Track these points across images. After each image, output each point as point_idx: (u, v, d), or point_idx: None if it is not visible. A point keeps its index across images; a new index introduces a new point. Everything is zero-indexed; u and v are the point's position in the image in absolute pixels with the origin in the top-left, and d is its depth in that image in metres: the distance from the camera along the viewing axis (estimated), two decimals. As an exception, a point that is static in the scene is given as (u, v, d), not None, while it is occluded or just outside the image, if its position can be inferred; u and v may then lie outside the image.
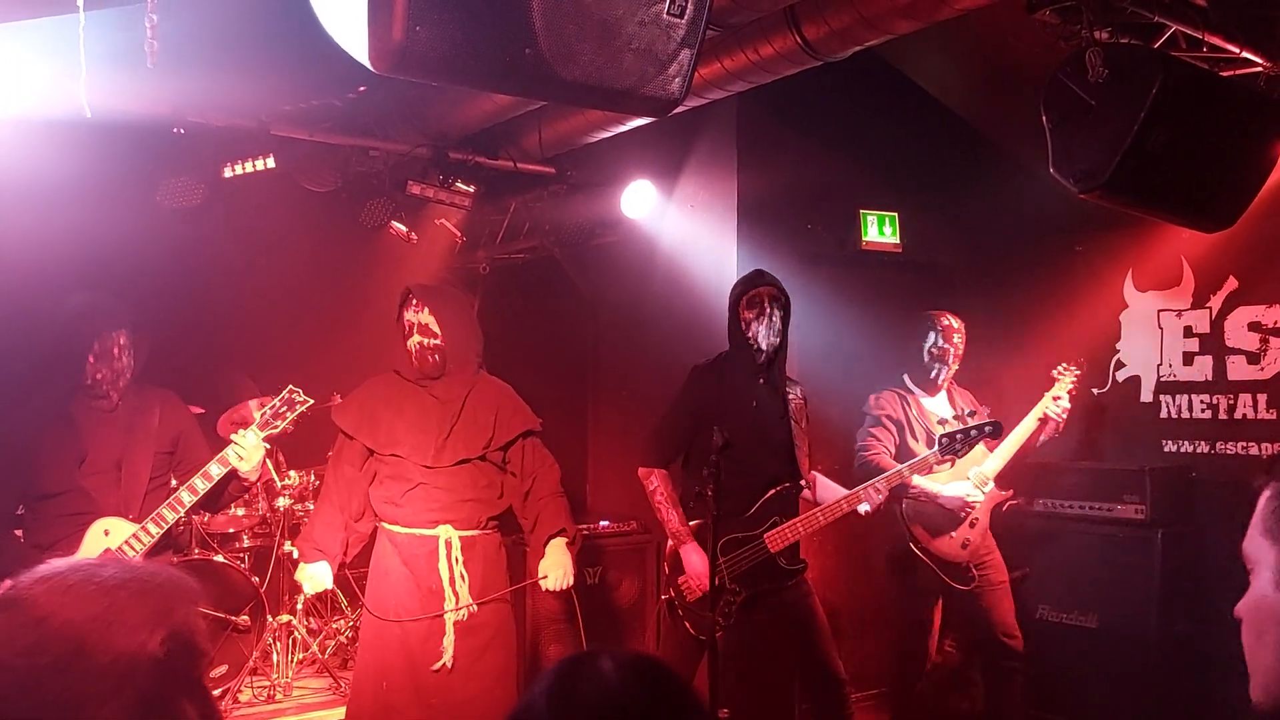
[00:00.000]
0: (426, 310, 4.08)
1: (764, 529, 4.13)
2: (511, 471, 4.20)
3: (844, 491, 4.28)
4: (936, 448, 4.35)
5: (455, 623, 3.95)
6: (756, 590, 4.12)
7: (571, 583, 4.09)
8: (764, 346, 4.20)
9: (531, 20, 1.90)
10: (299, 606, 6.00)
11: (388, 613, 3.99)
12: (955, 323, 4.90)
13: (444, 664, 3.92)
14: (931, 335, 4.87)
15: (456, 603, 3.94)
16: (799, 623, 4.18)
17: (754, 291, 4.22)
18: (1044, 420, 4.78)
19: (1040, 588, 5.23)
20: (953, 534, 4.71)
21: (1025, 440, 4.79)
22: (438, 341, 4.08)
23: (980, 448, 4.81)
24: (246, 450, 3.81)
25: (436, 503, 4.02)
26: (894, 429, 4.80)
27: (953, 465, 4.74)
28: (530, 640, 5.30)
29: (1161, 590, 4.90)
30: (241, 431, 3.86)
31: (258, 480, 4.08)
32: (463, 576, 3.97)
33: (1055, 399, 4.79)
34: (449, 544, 4.01)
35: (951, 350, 4.86)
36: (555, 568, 4.05)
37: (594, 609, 5.42)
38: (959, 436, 4.33)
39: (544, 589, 4.09)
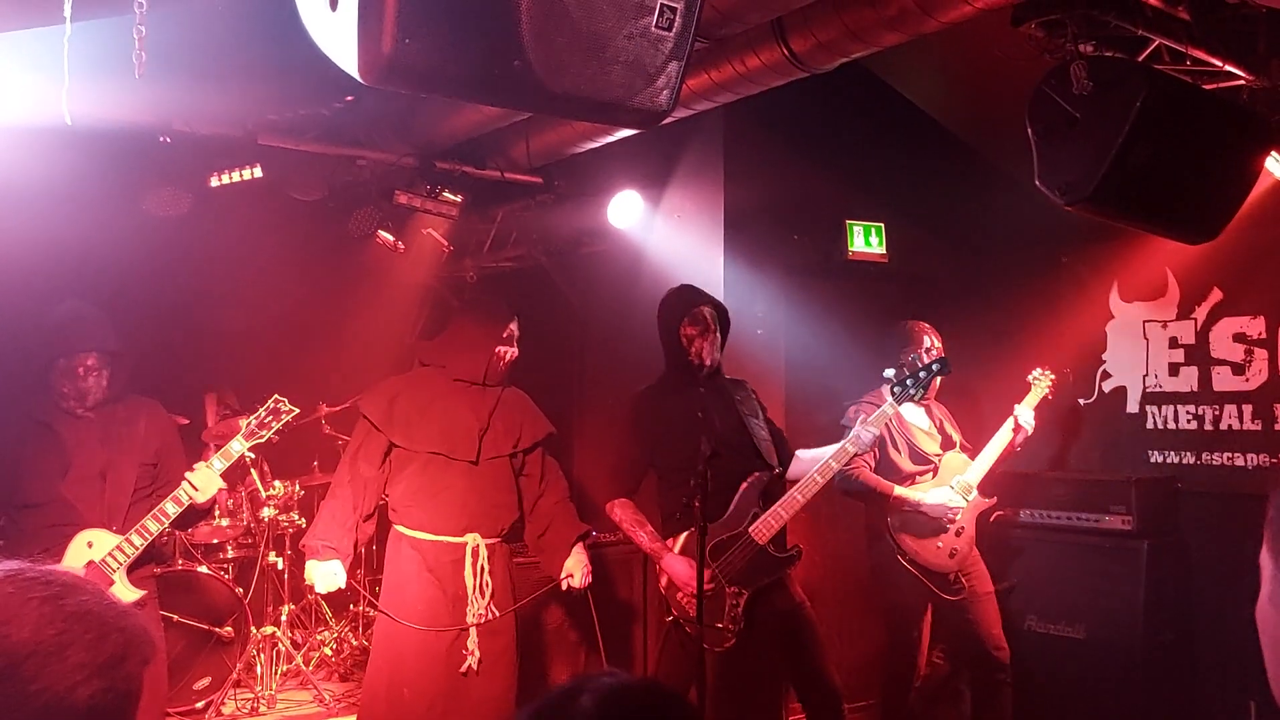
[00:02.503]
0: (515, 325, 4.36)
1: (747, 524, 4.12)
2: (526, 474, 4.39)
3: (824, 458, 4.20)
4: (890, 398, 4.27)
5: (478, 627, 4.11)
6: (756, 586, 4.09)
7: (590, 581, 4.30)
8: (708, 363, 4.28)
9: (520, 33, 1.90)
10: (283, 618, 5.97)
11: (410, 619, 4.09)
12: (934, 329, 4.93)
13: (469, 667, 4.08)
14: (927, 339, 4.86)
15: (479, 609, 4.11)
16: (793, 633, 4.17)
17: (696, 310, 4.27)
18: (1017, 427, 4.78)
19: (1027, 599, 5.23)
20: (939, 543, 4.70)
21: (1005, 448, 4.80)
22: (516, 355, 4.36)
23: (963, 458, 4.82)
24: (200, 484, 3.81)
25: (467, 508, 4.16)
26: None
27: (935, 474, 4.74)
28: (537, 645, 5.33)
29: (1148, 601, 4.92)
30: (199, 465, 3.85)
31: (209, 506, 4.08)
32: (487, 584, 4.14)
33: (1029, 406, 4.81)
34: (476, 551, 4.16)
35: (940, 351, 4.84)
36: (578, 567, 4.25)
37: (584, 617, 5.42)
38: (910, 381, 4.26)
39: (565, 588, 4.28)
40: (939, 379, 4.82)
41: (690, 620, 4.06)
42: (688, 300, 4.32)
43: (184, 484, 3.78)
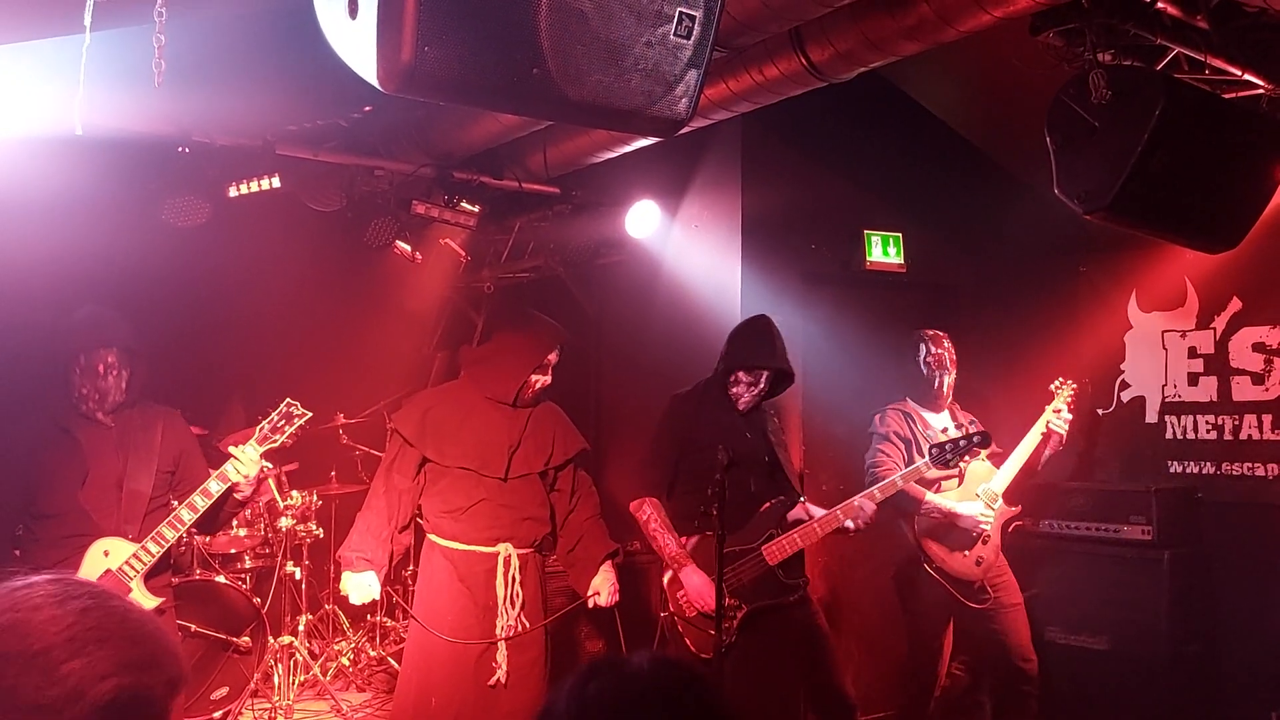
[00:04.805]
0: (556, 355, 4.34)
1: (761, 541, 4.14)
2: (558, 488, 4.39)
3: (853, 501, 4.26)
4: (927, 457, 4.35)
5: (507, 641, 4.12)
6: (756, 605, 4.10)
7: (617, 600, 4.30)
8: (741, 408, 4.32)
9: (539, 41, 1.90)
10: (301, 628, 5.97)
11: (441, 628, 4.11)
12: (940, 334, 4.95)
13: (498, 679, 4.09)
14: (923, 346, 4.90)
15: (509, 620, 4.12)
16: (807, 643, 4.17)
17: (758, 372, 4.27)
18: (1047, 435, 4.78)
19: (1048, 609, 5.19)
20: (966, 551, 4.68)
21: (1030, 456, 4.79)
22: (549, 382, 4.35)
23: (988, 465, 4.80)
24: (245, 464, 3.80)
25: (499, 520, 4.18)
26: (901, 445, 4.79)
27: (960, 481, 4.72)
28: (560, 656, 5.33)
29: (1170, 611, 4.88)
30: (240, 445, 3.84)
31: (254, 498, 4.06)
32: (518, 595, 4.15)
33: (1056, 412, 4.80)
34: (508, 562, 4.17)
35: (946, 354, 4.89)
36: (605, 585, 4.26)
37: (609, 627, 5.42)
38: (948, 446, 4.34)
39: (593, 605, 4.29)
40: (950, 378, 4.89)
41: (685, 619, 4.11)
42: (756, 353, 4.28)
43: (229, 462, 3.78)
